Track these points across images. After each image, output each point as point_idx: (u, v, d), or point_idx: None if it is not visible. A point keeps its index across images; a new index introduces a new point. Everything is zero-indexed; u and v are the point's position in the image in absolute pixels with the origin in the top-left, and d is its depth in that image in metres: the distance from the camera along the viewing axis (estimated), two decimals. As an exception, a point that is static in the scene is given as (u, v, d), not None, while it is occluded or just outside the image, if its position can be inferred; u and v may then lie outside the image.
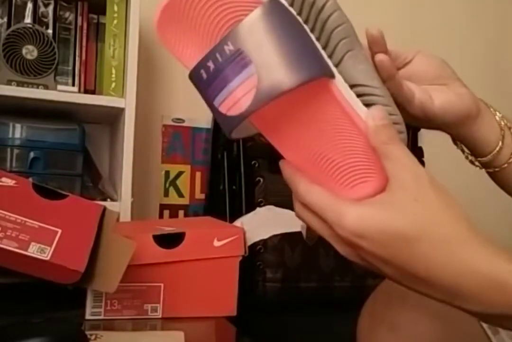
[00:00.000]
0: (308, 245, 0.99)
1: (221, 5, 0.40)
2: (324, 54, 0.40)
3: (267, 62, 0.36)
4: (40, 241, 0.60)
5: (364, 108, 0.39)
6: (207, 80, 0.38)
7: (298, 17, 0.40)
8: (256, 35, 0.37)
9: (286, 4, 0.40)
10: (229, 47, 0.37)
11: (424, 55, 0.50)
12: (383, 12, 1.63)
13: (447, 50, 1.73)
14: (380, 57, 0.44)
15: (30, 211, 0.63)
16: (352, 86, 0.40)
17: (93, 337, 0.60)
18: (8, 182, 0.66)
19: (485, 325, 0.50)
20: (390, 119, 0.39)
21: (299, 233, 1.00)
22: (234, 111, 0.37)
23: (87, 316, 0.70)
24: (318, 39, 0.40)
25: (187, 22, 0.41)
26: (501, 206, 1.59)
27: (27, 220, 0.61)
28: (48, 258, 0.59)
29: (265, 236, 0.95)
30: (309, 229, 0.44)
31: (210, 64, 0.38)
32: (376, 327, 0.52)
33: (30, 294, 0.78)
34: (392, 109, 0.41)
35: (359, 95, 0.40)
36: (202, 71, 0.38)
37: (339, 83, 0.39)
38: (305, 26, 0.40)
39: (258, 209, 0.99)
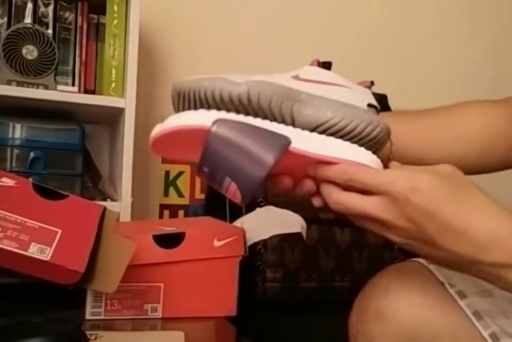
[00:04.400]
0: (308, 245, 0.99)
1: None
2: (275, 126, 0.47)
3: (236, 171, 0.45)
4: (40, 241, 0.60)
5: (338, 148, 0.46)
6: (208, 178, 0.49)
7: (239, 116, 0.47)
8: (218, 155, 0.46)
9: (225, 116, 0.46)
10: (205, 169, 0.47)
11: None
12: (382, 12, 1.63)
13: (447, 50, 1.73)
14: None
15: (30, 211, 0.63)
16: (314, 129, 0.47)
17: (93, 337, 0.60)
18: (8, 182, 0.66)
19: (466, 309, 0.53)
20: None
21: (299, 233, 1.00)
22: (236, 199, 0.48)
23: (87, 316, 0.70)
24: (265, 117, 0.47)
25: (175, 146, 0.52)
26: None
27: (27, 220, 0.61)
28: (48, 258, 0.59)
29: (265, 236, 0.95)
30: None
31: (205, 169, 0.47)
32: (363, 317, 0.55)
33: (30, 294, 0.78)
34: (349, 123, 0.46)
35: (327, 132, 0.47)
36: (202, 171, 0.48)
37: (298, 144, 0.46)
38: (248, 118, 0.47)
39: (258, 209, 0.99)
